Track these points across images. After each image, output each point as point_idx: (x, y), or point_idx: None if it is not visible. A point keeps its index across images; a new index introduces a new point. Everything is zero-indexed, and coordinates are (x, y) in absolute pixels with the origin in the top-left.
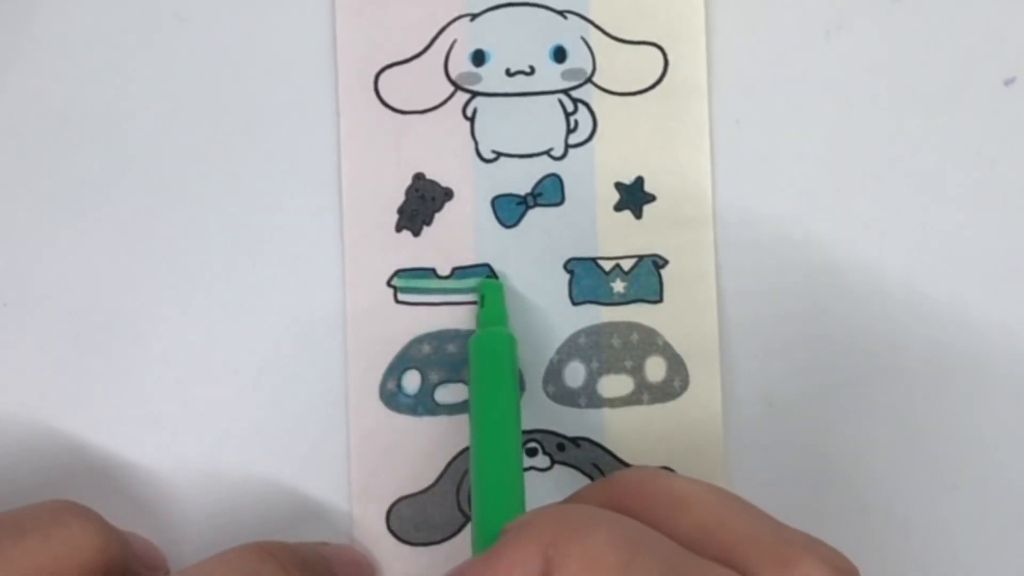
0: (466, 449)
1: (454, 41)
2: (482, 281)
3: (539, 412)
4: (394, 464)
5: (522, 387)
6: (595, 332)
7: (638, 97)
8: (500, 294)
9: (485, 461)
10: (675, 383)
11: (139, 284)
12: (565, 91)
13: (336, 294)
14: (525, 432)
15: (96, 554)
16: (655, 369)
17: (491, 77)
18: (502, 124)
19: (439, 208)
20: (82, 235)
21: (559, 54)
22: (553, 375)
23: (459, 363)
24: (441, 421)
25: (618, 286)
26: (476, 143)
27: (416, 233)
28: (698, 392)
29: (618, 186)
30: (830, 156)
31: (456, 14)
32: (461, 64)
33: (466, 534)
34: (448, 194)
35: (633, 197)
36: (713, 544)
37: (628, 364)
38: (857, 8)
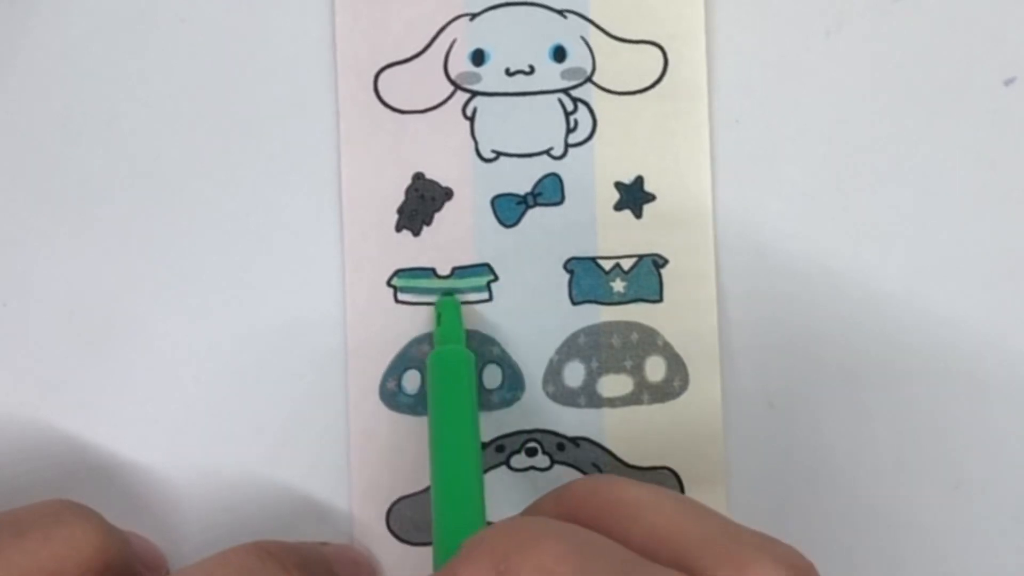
0: None
1: (454, 41)
2: (439, 299)
3: (539, 412)
4: (394, 464)
5: (522, 387)
6: (595, 332)
7: (638, 96)
8: (456, 312)
9: (445, 478)
10: (675, 383)
11: (139, 284)
12: (565, 90)
13: (336, 294)
14: (525, 432)
15: (96, 554)
16: (655, 369)
17: (491, 77)
18: (502, 124)
19: (439, 208)
20: (82, 235)
21: (559, 53)
22: (553, 375)
23: None
24: None
25: (618, 286)
26: (476, 143)
27: (416, 233)
28: (698, 392)
29: (618, 185)
30: (830, 156)
31: (455, 14)
32: (461, 64)
33: None
34: (448, 194)
35: (633, 196)
36: (666, 549)
37: (628, 364)
38: (857, 8)
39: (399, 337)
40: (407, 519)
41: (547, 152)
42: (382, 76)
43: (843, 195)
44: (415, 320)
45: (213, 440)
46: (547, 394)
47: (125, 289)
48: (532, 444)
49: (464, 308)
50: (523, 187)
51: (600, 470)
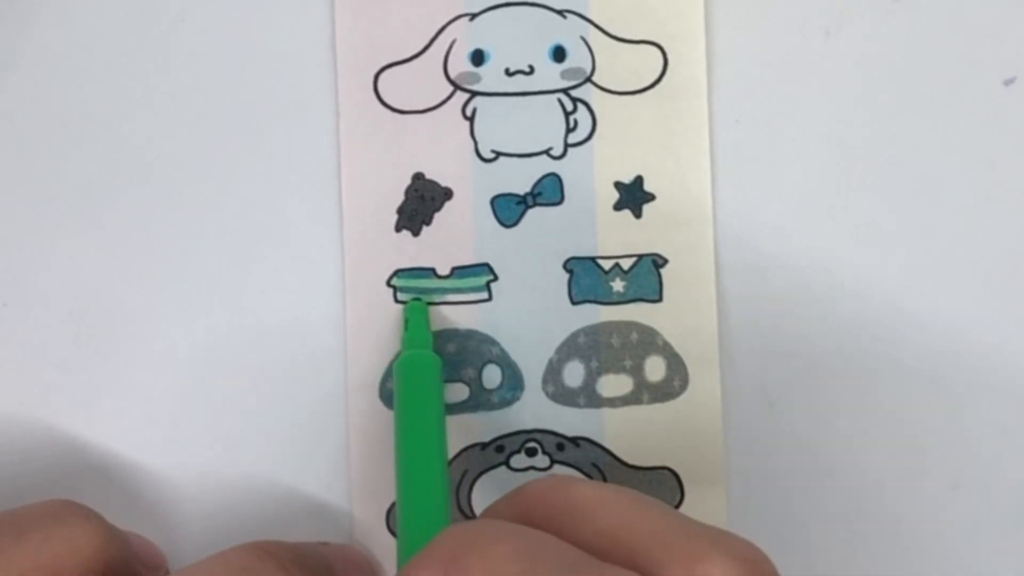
0: (466, 449)
1: (453, 41)
2: (408, 303)
3: (538, 412)
4: (394, 464)
5: (521, 387)
6: (594, 331)
7: (637, 96)
8: (424, 316)
9: (410, 483)
10: (675, 383)
11: (139, 284)
12: (564, 90)
13: (336, 294)
14: (525, 432)
15: (96, 553)
16: (654, 369)
17: (490, 77)
18: (501, 124)
19: (439, 208)
20: (82, 235)
21: (558, 53)
22: (552, 375)
23: (459, 362)
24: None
25: (617, 285)
26: (475, 143)
27: (416, 233)
28: (698, 392)
29: (617, 185)
30: (830, 156)
31: (455, 14)
32: (460, 64)
33: None
34: (448, 194)
35: (632, 196)
36: (619, 547)
37: (627, 364)
38: (857, 8)
39: (399, 337)
40: None
41: (547, 152)
42: (382, 76)
43: (843, 195)
44: None
45: (213, 440)
46: (547, 394)
47: (125, 289)
48: (532, 444)
49: (464, 308)
50: (523, 187)
51: (600, 470)
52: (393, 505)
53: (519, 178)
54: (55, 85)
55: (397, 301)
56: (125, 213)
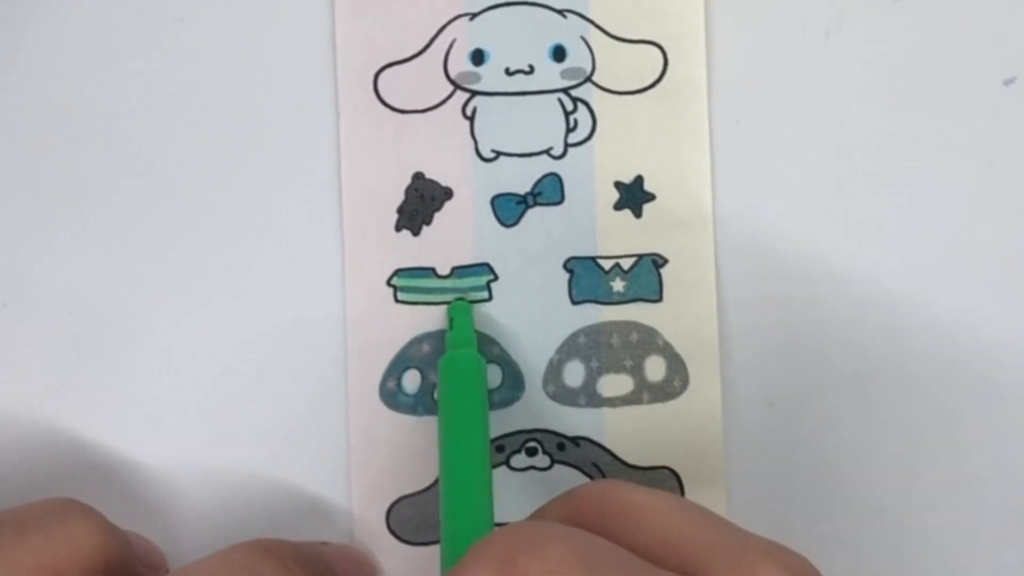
0: None
1: (453, 40)
2: (452, 303)
3: (539, 412)
4: (394, 464)
5: (522, 387)
6: (595, 331)
7: (638, 96)
8: (469, 316)
9: (454, 481)
10: (675, 382)
11: (139, 284)
12: (564, 90)
13: (336, 294)
14: (525, 432)
15: (97, 552)
16: (655, 368)
17: (490, 76)
18: (501, 123)
19: (439, 207)
20: (82, 235)
21: (558, 53)
22: (553, 374)
23: None
24: None
25: (618, 285)
26: (476, 142)
27: (416, 232)
28: (698, 392)
29: (618, 185)
30: (830, 156)
31: (455, 13)
32: (460, 63)
33: None
34: (448, 193)
35: (633, 196)
36: (673, 554)
37: (628, 363)
38: (857, 8)
39: (399, 337)
40: (407, 519)
41: (547, 152)
42: (382, 76)
43: (843, 195)
44: (415, 320)
45: (213, 440)
46: (547, 394)
47: (125, 289)
48: (532, 444)
49: None
50: (523, 187)
51: (600, 470)
52: (393, 505)
53: (519, 178)
54: (55, 85)
55: (397, 301)
56: (125, 213)
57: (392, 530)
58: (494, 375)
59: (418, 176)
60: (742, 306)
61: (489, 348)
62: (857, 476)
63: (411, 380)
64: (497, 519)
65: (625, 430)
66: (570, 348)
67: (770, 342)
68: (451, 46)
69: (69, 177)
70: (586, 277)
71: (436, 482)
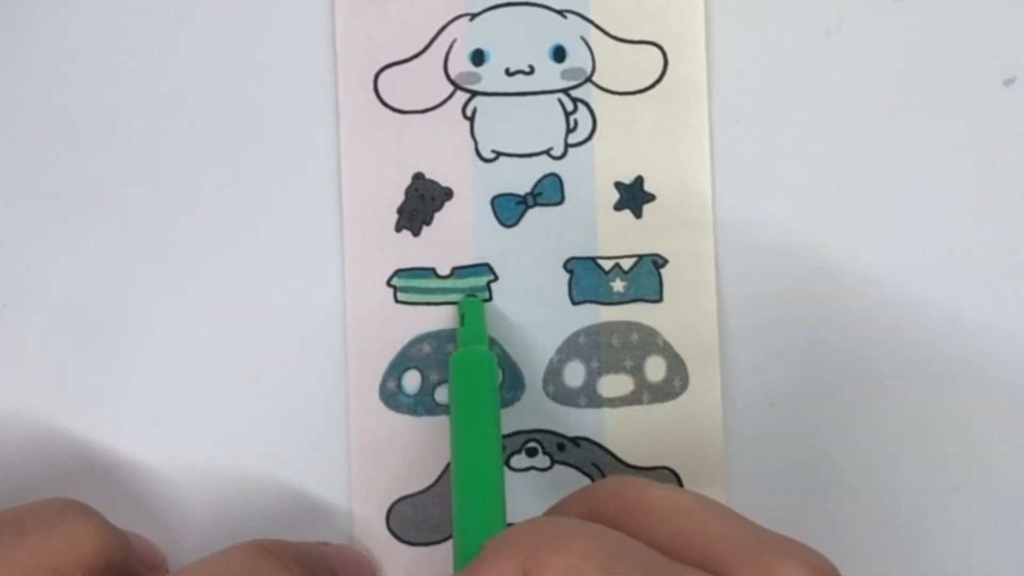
0: None
1: (453, 41)
2: (462, 299)
3: (539, 412)
4: (394, 464)
5: (522, 387)
6: (595, 332)
7: (638, 96)
8: (480, 313)
9: (466, 478)
10: (675, 383)
11: (139, 284)
12: (565, 90)
13: (336, 294)
14: (525, 432)
15: (96, 552)
16: (655, 369)
17: (491, 77)
18: (502, 124)
19: (439, 208)
20: (82, 235)
21: (559, 53)
22: (553, 375)
23: None
24: (441, 421)
25: (618, 285)
26: (476, 143)
27: (416, 233)
28: (698, 392)
29: (618, 185)
30: (830, 156)
31: (455, 14)
32: (461, 64)
33: None
34: (448, 194)
35: (633, 196)
36: (692, 550)
37: (628, 364)
38: (857, 8)
39: (399, 337)
40: (407, 519)
41: (547, 152)
42: (382, 76)
43: (843, 195)
44: (415, 320)
45: (213, 440)
46: (547, 394)
47: (125, 289)
48: (532, 444)
49: None
50: (523, 187)
51: (600, 470)
52: (393, 505)
53: (519, 178)
54: (55, 85)
55: (397, 301)
56: (125, 213)
57: (392, 530)
58: None
59: (418, 176)
60: (742, 306)
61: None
62: (857, 476)
63: (411, 380)
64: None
65: (625, 430)
66: (570, 348)
67: (770, 342)
68: (451, 46)
69: (69, 177)
70: (586, 277)
71: (436, 482)
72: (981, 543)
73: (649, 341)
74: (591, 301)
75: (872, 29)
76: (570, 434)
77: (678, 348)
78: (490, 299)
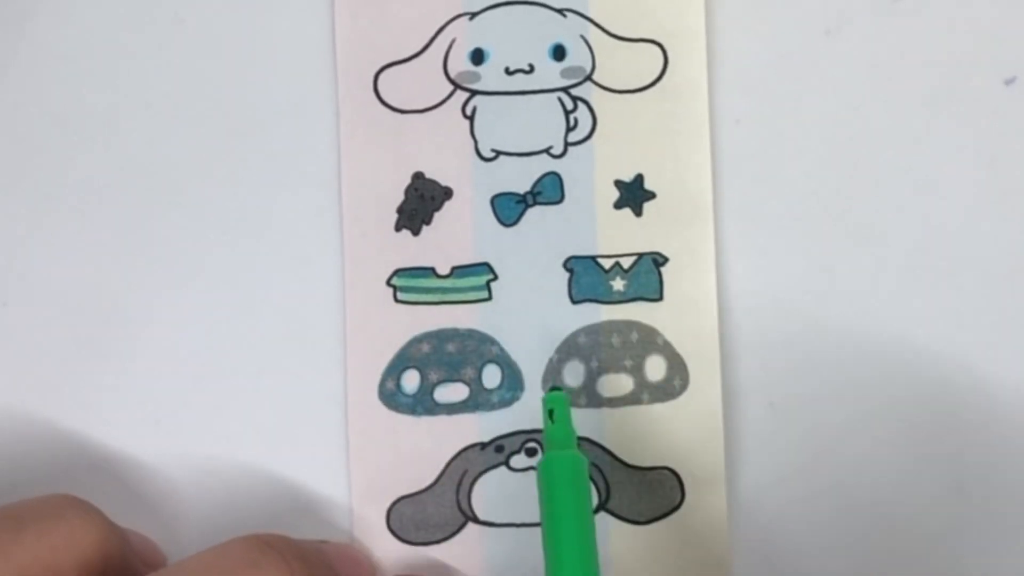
0: (465, 448)
1: (453, 40)
2: (548, 394)
3: (538, 412)
4: (394, 464)
5: (522, 387)
6: (595, 331)
7: (638, 95)
8: (567, 409)
9: None
10: (675, 382)
11: (139, 284)
12: (564, 89)
13: (335, 293)
14: (525, 432)
15: (95, 548)
16: (655, 368)
17: (490, 76)
18: (501, 123)
19: (438, 207)
20: (82, 235)
21: (558, 52)
22: (553, 374)
23: (458, 362)
24: (441, 420)
25: (618, 284)
26: (475, 142)
27: (415, 232)
28: (698, 392)
29: (618, 184)
30: (830, 155)
31: (455, 13)
32: (460, 63)
33: (466, 533)
34: (447, 193)
35: (633, 195)
36: None
37: (628, 363)
38: (857, 8)
39: (399, 337)
40: (407, 519)
41: (547, 151)
42: (382, 76)
43: (843, 195)
44: (415, 319)
45: (213, 439)
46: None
47: (125, 289)
48: (532, 444)
49: (464, 308)
50: (523, 186)
51: (600, 470)
52: (393, 505)
53: (519, 177)
54: (55, 85)
55: (397, 301)
56: (125, 213)
57: (392, 530)
58: (494, 375)
59: (418, 176)
60: (742, 305)
61: (489, 348)
62: (857, 476)
63: (410, 380)
64: (497, 519)
65: (625, 430)
66: (570, 348)
67: (770, 342)
68: (451, 46)
69: (69, 177)
70: (586, 276)
71: (436, 482)
72: (982, 544)
73: (649, 340)
74: (591, 300)
75: (872, 29)
76: None
77: (678, 347)
78: (490, 299)
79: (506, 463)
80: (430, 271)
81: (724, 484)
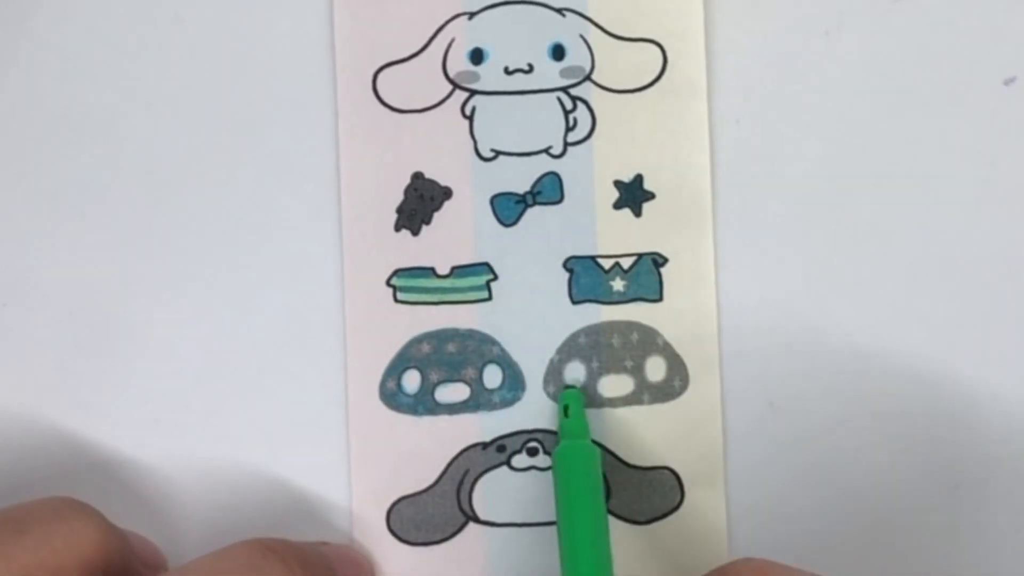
0: (466, 448)
1: (452, 40)
2: (563, 391)
3: (540, 412)
4: (394, 464)
5: (522, 387)
6: (595, 331)
7: (637, 95)
8: (581, 404)
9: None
10: (675, 383)
11: (139, 284)
12: (564, 89)
13: (335, 294)
14: (526, 432)
15: (96, 550)
16: (655, 369)
17: (489, 75)
18: (501, 122)
19: (438, 207)
20: (81, 235)
21: (558, 52)
22: (553, 375)
23: (459, 362)
24: (441, 420)
25: (618, 284)
26: (475, 142)
27: (415, 232)
28: (698, 392)
29: (617, 184)
30: (830, 156)
31: (454, 12)
32: (459, 63)
33: (467, 533)
34: (447, 193)
35: (632, 195)
36: None
37: (628, 364)
38: (857, 8)
39: (399, 337)
40: (407, 519)
41: (546, 151)
42: (381, 75)
43: (843, 195)
44: (414, 319)
45: (213, 440)
46: (548, 394)
47: (125, 289)
48: (533, 444)
49: (464, 308)
50: (522, 186)
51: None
52: (393, 505)
53: (519, 177)
54: (55, 85)
55: (397, 301)
56: (125, 213)
57: (392, 530)
58: (494, 375)
59: (417, 176)
60: (742, 305)
61: (489, 348)
62: (857, 476)
63: (411, 380)
64: (499, 519)
65: (625, 430)
66: (570, 348)
67: (770, 342)
68: (450, 45)
69: (69, 177)
70: (586, 276)
71: (436, 482)
72: (980, 544)
73: (649, 341)
74: (591, 300)
75: (872, 29)
76: None
77: (678, 348)
78: (490, 299)
79: (508, 463)
80: (430, 271)
81: (723, 484)
